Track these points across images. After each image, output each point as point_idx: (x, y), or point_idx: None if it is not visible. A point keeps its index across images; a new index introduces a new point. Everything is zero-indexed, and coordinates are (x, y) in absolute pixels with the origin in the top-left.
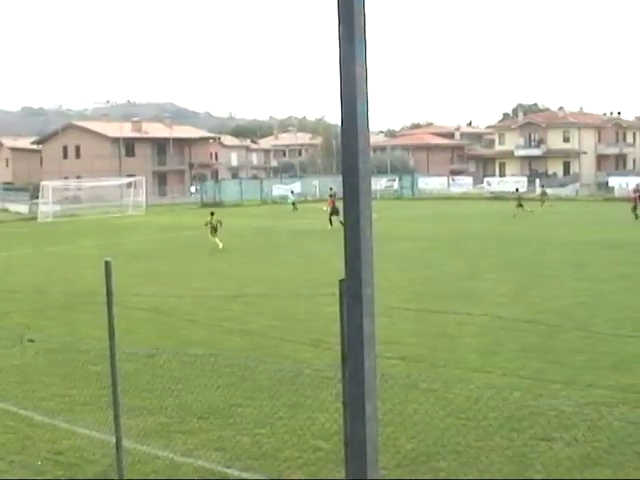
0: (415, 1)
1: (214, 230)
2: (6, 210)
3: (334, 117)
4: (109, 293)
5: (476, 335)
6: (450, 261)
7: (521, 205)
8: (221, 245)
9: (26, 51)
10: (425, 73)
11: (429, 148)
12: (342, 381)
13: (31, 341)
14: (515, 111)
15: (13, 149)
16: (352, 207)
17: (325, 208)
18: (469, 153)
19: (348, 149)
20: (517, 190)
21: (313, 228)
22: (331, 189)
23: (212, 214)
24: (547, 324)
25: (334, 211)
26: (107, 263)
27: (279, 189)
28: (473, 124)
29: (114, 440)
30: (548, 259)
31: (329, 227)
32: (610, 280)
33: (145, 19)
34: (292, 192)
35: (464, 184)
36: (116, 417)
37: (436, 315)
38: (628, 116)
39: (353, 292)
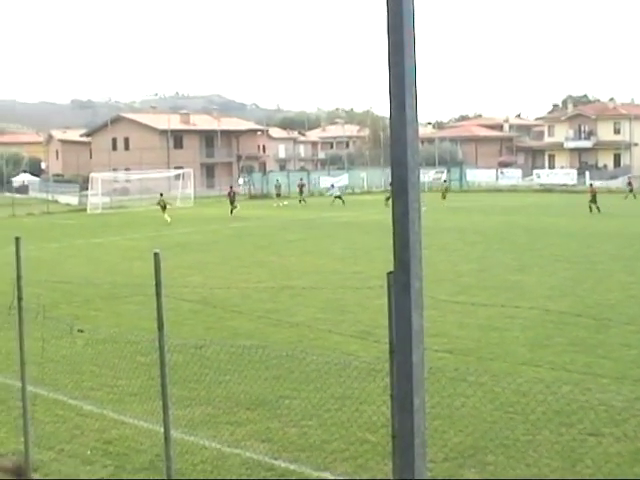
0: None
1: (163, 208)
2: (56, 202)
3: (382, 109)
4: (158, 284)
5: (524, 328)
6: (498, 254)
7: (594, 200)
8: (169, 220)
9: (75, 44)
10: (474, 64)
11: (477, 140)
12: (390, 374)
13: (81, 331)
14: (565, 102)
15: (63, 141)
16: (401, 199)
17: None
18: (518, 145)
19: (397, 141)
20: (591, 185)
21: (359, 220)
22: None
23: (161, 195)
24: (596, 318)
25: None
26: (156, 255)
27: (326, 181)
28: (522, 116)
29: (162, 430)
30: (597, 252)
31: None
32: None
33: (192, 11)
34: (332, 186)
35: (513, 176)
36: (165, 408)
37: (484, 308)
38: None
39: (402, 285)
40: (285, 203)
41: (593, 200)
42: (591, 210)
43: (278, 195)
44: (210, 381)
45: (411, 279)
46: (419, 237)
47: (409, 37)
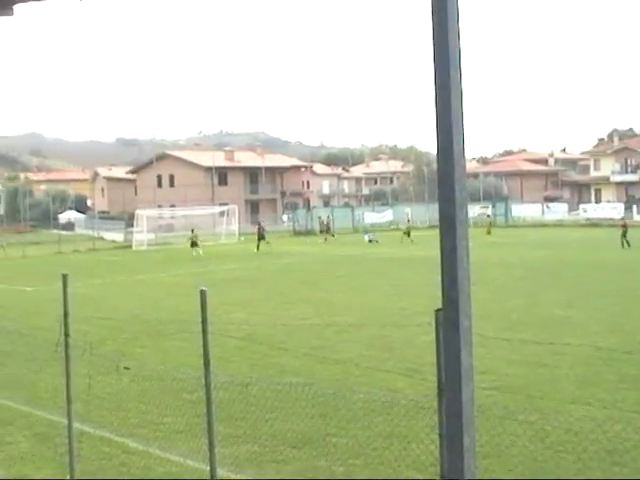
0: (507, 27)
1: (193, 244)
2: (102, 238)
3: (425, 144)
4: (204, 322)
5: (573, 365)
6: (545, 289)
7: (624, 235)
8: (195, 254)
9: (121, 83)
10: (518, 98)
11: (522, 175)
12: (438, 412)
13: (127, 369)
14: (610, 136)
15: (108, 178)
16: (449, 236)
17: None
18: (563, 179)
19: (444, 178)
20: (623, 219)
21: (403, 256)
22: None
23: (192, 231)
24: None
25: None
26: (202, 292)
27: (371, 217)
28: (567, 150)
29: (208, 469)
30: None
31: None
32: None
33: (236, 50)
34: (365, 232)
35: (559, 211)
36: (211, 446)
37: (532, 344)
38: None
39: (450, 323)
40: (332, 237)
41: (624, 234)
42: (623, 245)
43: (322, 231)
44: (256, 419)
45: (460, 317)
46: (468, 274)
47: (455, 74)
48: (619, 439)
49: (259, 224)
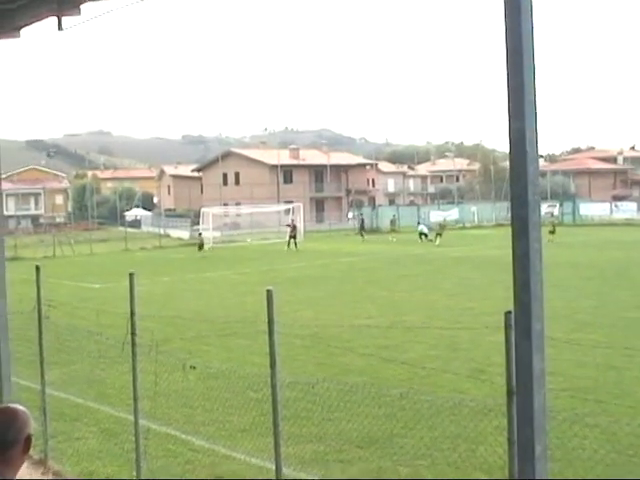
0: (578, 23)
1: (200, 247)
2: (168, 236)
3: (492, 142)
4: (271, 322)
5: None
6: (614, 290)
7: None
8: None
9: (186, 81)
10: (586, 96)
11: (590, 173)
12: (507, 416)
13: (193, 368)
14: None
15: (174, 176)
16: (521, 239)
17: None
18: (633, 178)
19: (517, 179)
20: None
21: (470, 255)
22: None
23: (200, 234)
24: None
25: None
26: (269, 292)
27: (437, 215)
28: (636, 148)
29: (274, 467)
30: None
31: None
32: None
33: (302, 47)
34: (419, 223)
35: (628, 210)
36: (276, 445)
37: (601, 346)
38: None
39: (522, 327)
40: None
41: None
42: None
43: (393, 230)
44: (321, 418)
45: (532, 321)
46: (540, 277)
47: (530, 75)
48: None
49: (292, 221)
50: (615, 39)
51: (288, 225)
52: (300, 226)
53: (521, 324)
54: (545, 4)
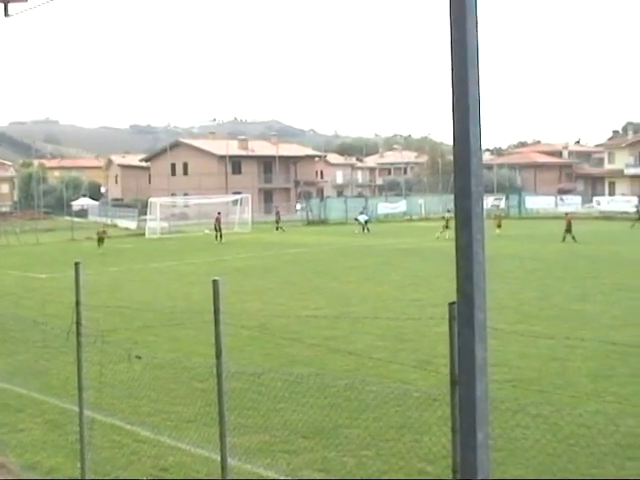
0: (523, 18)
1: (100, 240)
2: (115, 226)
3: (440, 135)
4: (217, 312)
5: (586, 359)
6: (558, 282)
7: (569, 230)
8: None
9: (135, 70)
10: (532, 90)
11: (536, 167)
12: (451, 405)
13: (138, 358)
14: (625, 129)
15: (122, 166)
16: (464, 230)
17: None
18: (577, 172)
19: (461, 171)
20: (567, 214)
21: (417, 247)
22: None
23: (102, 228)
24: None
25: None
26: (215, 282)
27: (384, 207)
28: (581, 142)
29: (219, 458)
30: None
31: None
32: None
33: (251, 38)
34: (357, 219)
35: (573, 203)
36: (222, 435)
37: (545, 337)
38: None
39: (465, 317)
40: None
41: (568, 229)
42: (564, 240)
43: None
44: (267, 409)
45: (475, 311)
46: (483, 268)
47: (473, 68)
48: (632, 434)
49: (219, 214)
50: (561, 35)
51: (217, 219)
52: (248, 217)
53: (464, 314)
54: None
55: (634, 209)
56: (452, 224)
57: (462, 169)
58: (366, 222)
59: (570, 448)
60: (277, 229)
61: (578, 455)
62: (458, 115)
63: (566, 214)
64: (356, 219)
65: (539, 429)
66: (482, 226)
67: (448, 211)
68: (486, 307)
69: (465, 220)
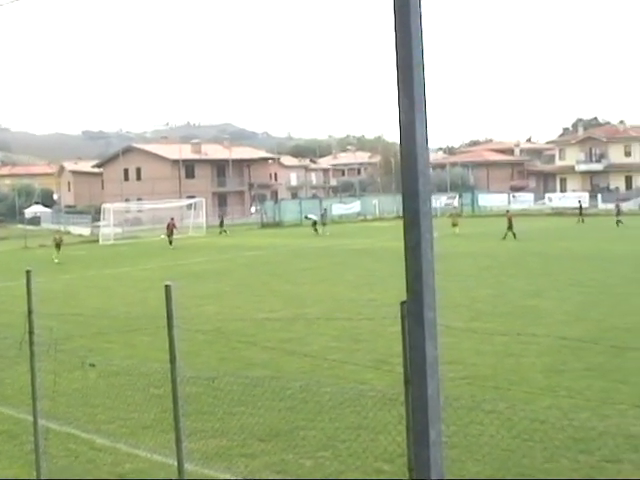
0: (475, 17)
1: (57, 247)
2: (68, 233)
3: (393, 135)
4: (170, 317)
5: (540, 354)
6: (512, 279)
7: (510, 227)
8: (57, 260)
9: (86, 76)
10: (484, 89)
11: (489, 165)
12: (405, 404)
13: (92, 365)
14: (575, 126)
15: (74, 172)
16: (413, 230)
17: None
18: (529, 169)
19: (408, 170)
20: (508, 212)
21: (372, 247)
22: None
23: (56, 235)
24: (613, 342)
25: None
26: (167, 287)
27: (339, 208)
28: (533, 140)
29: (176, 464)
30: (613, 275)
31: None
32: None
33: (203, 42)
34: (307, 216)
35: (525, 200)
36: (178, 441)
37: (499, 334)
38: None
39: (415, 316)
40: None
41: (510, 226)
42: (505, 237)
43: (323, 224)
44: (224, 413)
45: (424, 310)
46: (432, 267)
47: (418, 66)
48: (585, 428)
49: (172, 219)
50: (510, 33)
51: (169, 224)
52: (202, 221)
53: (414, 313)
54: None
55: (581, 205)
56: (451, 221)
57: (409, 168)
58: (315, 222)
59: (525, 443)
60: (221, 232)
61: (533, 450)
62: (404, 115)
63: (507, 212)
64: (307, 217)
65: (494, 425)
66: (430, 225)
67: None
68: (436, 305)
69: (413, 220)
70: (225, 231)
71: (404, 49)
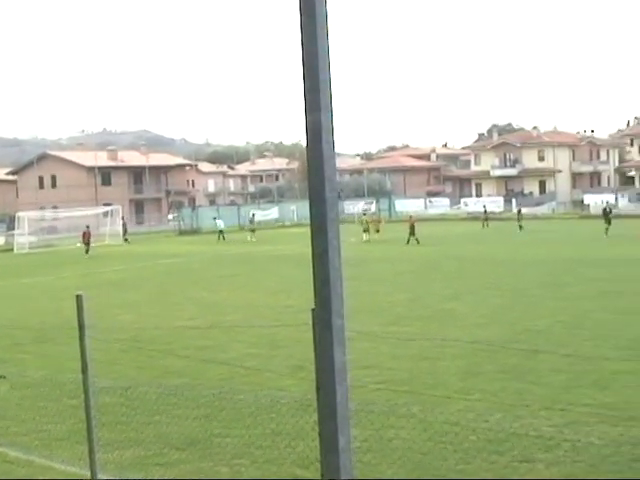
0: (391, 23)
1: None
2: None
3: None
4: (82, 327)
5: (455, 357)
6: (428, 283)
7: (412, 232)
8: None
9: None
10: (400, 95)
11: (405, 170)
12: (317, 410)
13: (3, 377)
14: (490, 131)
15: None
16: (320, 236)
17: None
18: (445, 174)
19: (315, 177)
20: (411, 217)
21: (291, 253)
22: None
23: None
24: (526, 344)
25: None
26: (79, 297)
27: (257, 215)
28: (448, 145)
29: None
30: (526, 278)
31: None
32: (588, 298)
33: (118, 47)
34: (215, 218)
35: (441, 205)
36: (91, 452)
37: (416, 338)
38: (601, 134)
39: (323, 322)
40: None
41: (412, 232)
42: (408, 242)
43: (252, 230)
44: (140, 422)
45: (332, 316)
46: (340, 274)
47: (325, 75)
48: (498, 428)
49: (87, 228)
50: (425, 39)
51: (84, 233)
52: (119, 228)
53: (322, 319)
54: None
55: (485, 209)
56: (372, 226)
57: (316, 174)
58: (221, 231)
59: (439, 445)
60: (125, 240)
61: (447, 452)
62: (311, 122)
63: (410, 217)
64: (214, 218)
65: (409, 428)
66: (337, 232)
67: (364, 214)
68: (344, 312)
69: (320, 226)
70: (127, 239)
71: (309, 52)
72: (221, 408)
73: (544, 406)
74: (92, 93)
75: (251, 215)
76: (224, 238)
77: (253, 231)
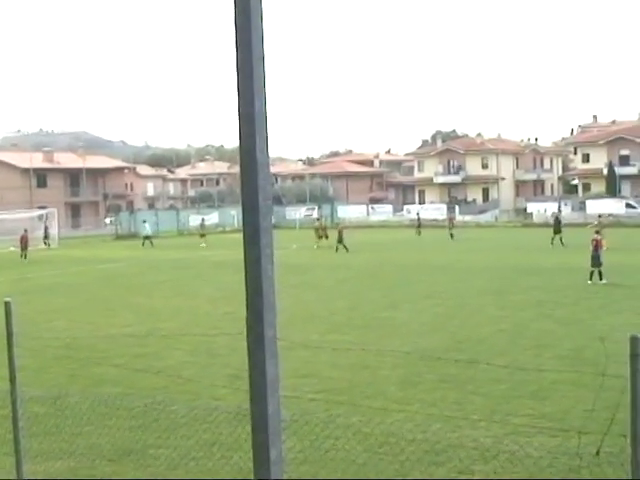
0: (333, 28)
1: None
2: None
3: None
4: (10, 335)
5: (395, 367)
6: (369, 291)
7: (340, 240)
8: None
9: None
10: (344, 101)
11: (348, 176)
12: (251, 422)
13: None
14: (434, 138)
15: None
16: (253, 246)
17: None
18: (388, 181)
19: (248, 186)
20: (337, 224)
21: (231, 259)
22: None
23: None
24: (467, 353)
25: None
26: (7, 304)
27: (196, 219)
28: (392, 151)
29: None
30: (467, 287)
31: None
32: (529, 307)
33: (56, 45)
34: (144, 221)
35: (384, 212)
36: (18, 463)
37: (355, 347)
38: (545, 142)
39: (255, 333)
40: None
41: (340, 240)
42: (337, 250)
43: (202, 235)
44: (71, 433)
45: (265, 328)
46: (273, 283)
47: (259, 79)
48: (437, 438)
49: (25, 231)
50: (368, 46)
51: (22, 237)
52: (54, 232)
53: (254, 331)
54: (284, 6)
55: (419, 217)
56: (327, 232)
57: (249, 182)
58: (147, 236)
59: (377, 456)
60: (45, 244)
61: (384, 462)
62: (244, 129)
63: (337, 224)
64: (143, 221)
65: (347, 439)
66: (271, 241)
67: (318, 219)
68: (276, 322)
69: (253, 235)
70: (48, 243)
71: (244, 63)
72: (155, 418)
73: (483, 416)
74: (28, 92)
75: (201, 220)
76: (151, 243)
77: (203, 236)
